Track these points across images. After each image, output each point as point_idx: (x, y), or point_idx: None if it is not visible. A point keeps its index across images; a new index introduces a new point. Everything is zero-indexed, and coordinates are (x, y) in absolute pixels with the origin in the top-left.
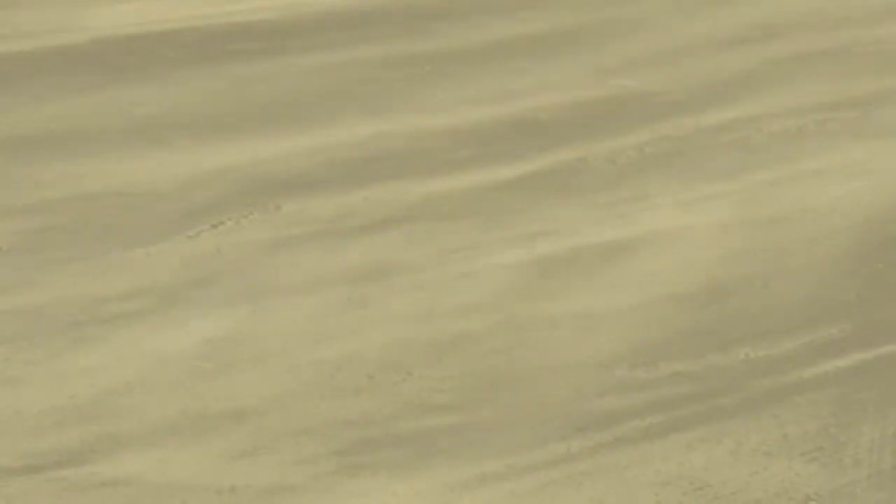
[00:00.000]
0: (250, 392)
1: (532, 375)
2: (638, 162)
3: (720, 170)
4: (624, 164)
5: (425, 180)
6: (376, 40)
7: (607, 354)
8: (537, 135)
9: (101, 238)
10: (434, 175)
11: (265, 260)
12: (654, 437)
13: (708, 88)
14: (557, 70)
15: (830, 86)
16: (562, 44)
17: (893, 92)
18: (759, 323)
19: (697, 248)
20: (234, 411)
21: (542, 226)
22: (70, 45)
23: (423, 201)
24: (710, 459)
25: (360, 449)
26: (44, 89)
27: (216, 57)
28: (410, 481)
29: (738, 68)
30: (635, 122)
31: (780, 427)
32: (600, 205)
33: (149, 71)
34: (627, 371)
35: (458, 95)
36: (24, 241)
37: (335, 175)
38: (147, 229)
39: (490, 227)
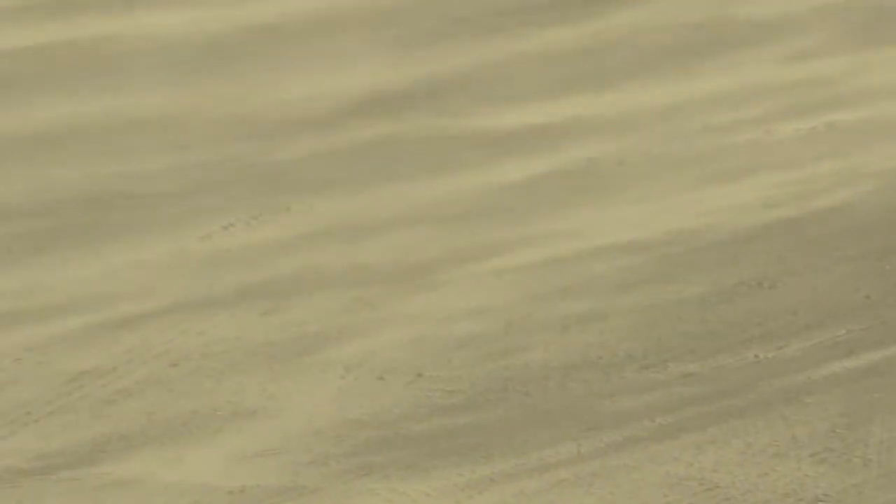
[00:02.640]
0: (261, 393)
1: (542, 376)
2: (646, 163)
3: (728, 171)
4: (632, 164)
5: (434, 181)
6: (385, 45)
7: (617, 355)
8: (547, 135)
9: (111, 240)
10: (443, 176)
11: (275, 261)
12: (664, 438)
13: (714, 91)
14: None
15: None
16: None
17: None
18: (767, 324)
19: (706, 250)
20: (244, 412)
21: (552, 227)
22: (72, 41)
23: (432, 202)
24: (720, 460)
25: (370, 449)
26: (51, 89)
27: (228, 59)
28: (420, 481)
29: (746, 71)
30: (642, 122)
31: (789, 428)
32: (609, 205)
33: (156, 74)
34: (637, 372)
35: (467, 97)
36: (34, 242)
37: (344, 176)
38: (157, 231)
39: (499, 227)
